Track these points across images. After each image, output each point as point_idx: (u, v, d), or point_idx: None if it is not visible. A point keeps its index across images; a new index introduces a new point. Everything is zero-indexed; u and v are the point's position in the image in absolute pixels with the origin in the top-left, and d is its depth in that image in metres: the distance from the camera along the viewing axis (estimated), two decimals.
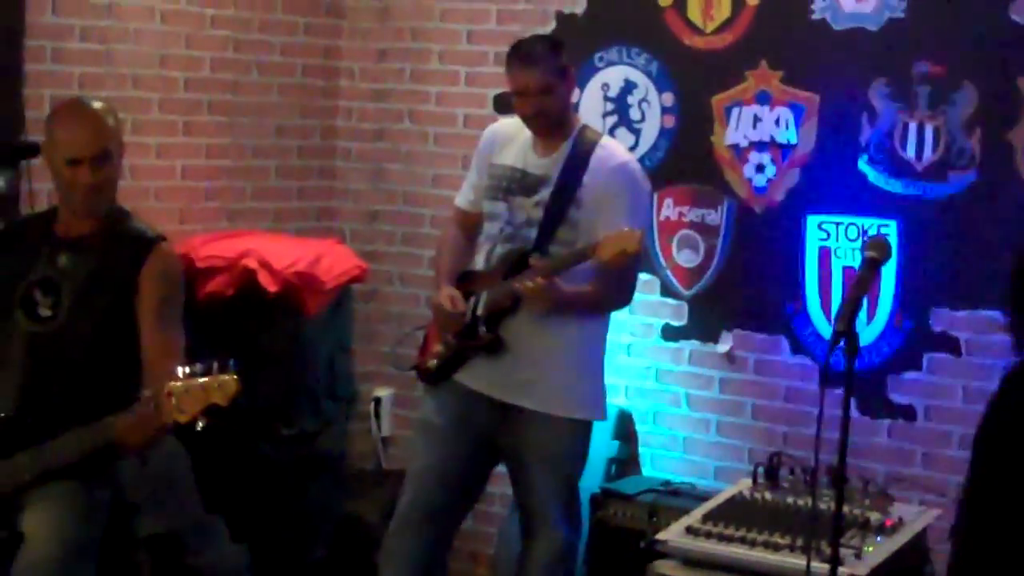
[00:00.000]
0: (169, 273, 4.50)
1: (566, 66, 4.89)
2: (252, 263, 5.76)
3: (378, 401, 6.52)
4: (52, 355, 4.39)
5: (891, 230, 5.39)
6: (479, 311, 4.88)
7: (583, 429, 4.94)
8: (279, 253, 5.85)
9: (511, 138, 5.00)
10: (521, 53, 4.86)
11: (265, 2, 6.34)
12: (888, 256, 3.79)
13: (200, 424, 3.98)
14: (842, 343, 3.52)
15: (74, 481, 4.26)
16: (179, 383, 3.97)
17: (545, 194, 4.86)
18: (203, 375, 3.98)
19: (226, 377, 3.99)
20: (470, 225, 5.12)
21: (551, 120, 4.87)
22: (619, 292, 4.91)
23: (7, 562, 4.16)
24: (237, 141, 6.28)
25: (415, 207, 6.53)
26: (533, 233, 4.86)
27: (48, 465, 4.21)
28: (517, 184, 4.92)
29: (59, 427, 4.23)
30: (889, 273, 5.38)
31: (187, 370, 3.98)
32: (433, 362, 4.99)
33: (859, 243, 5.46)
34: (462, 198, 5.18)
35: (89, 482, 4.30)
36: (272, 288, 5.74)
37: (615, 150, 4.95)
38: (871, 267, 3.73)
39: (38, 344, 4.40)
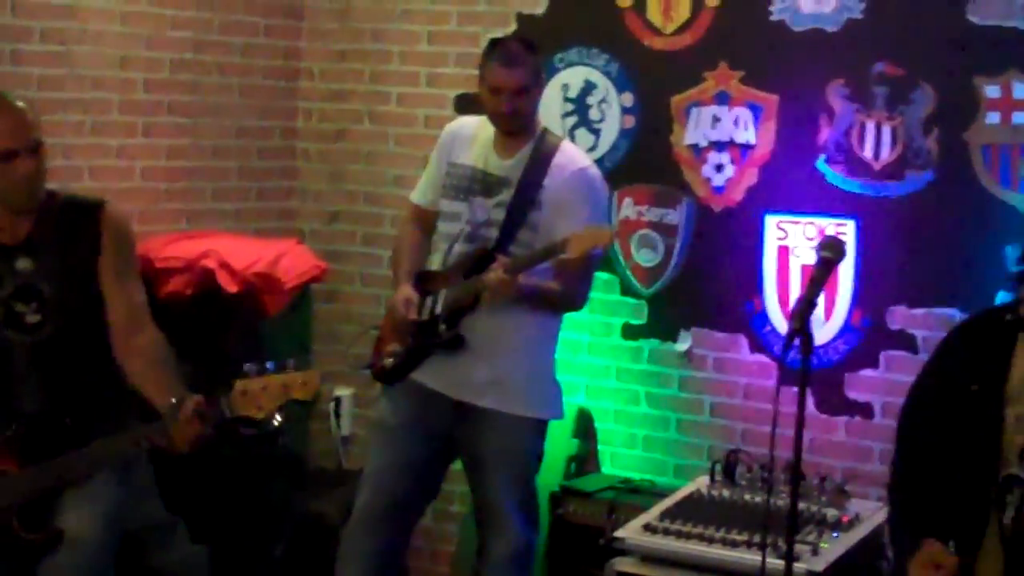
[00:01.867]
0: (123, 230, 4.55)
1: (540, 69, 4.93)
2: (212, 263, 5.76)
3: (338, 401, 6.52)
4: (62, 354, 4.40)
5: (849, 229, 5.42)
6: (439, 309, 4.89)
7: (540, 428, 4.96)
8: (239, 253, 5.85)
9: (471, 138, 5.01)
10: (504, 52, 4.87)
11: (225, 4, 6.32)
12: (842, 256, 3.82)
13: (277, 420, 4.10)
14: (797, 341, 3.55)
15: (112, 474, 4.34)
16: (255, 380, 4.06)
17: (506, 195, 4.87)
18: (277, 372, 4.09)
19: (309, 372, 4.15)
20: (428, 222, 5.11)
21: (523, 121, 4.89)
22: (579, 292, 4.92)
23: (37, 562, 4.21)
24: (197, 142, 6.27)
25: (376, 207, 6.53)
26: (494, 233, 4.87)
27: (88, 468, 4.27)
28: (478, 184, 4.93)
29: (97, 419, 4.32)
30: (847, 271, 5.41)
31: (267, 366, 4.09)
32: (389, 361, 4.99)
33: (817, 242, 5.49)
34: (419, 195, 5.17)
35: (126, 470, 4.41)
36: (232, 288, 5.74)
37: (575, 155, 4.98)
38: (825, 267, 3.78)
39: (42, 352, 4.39)
